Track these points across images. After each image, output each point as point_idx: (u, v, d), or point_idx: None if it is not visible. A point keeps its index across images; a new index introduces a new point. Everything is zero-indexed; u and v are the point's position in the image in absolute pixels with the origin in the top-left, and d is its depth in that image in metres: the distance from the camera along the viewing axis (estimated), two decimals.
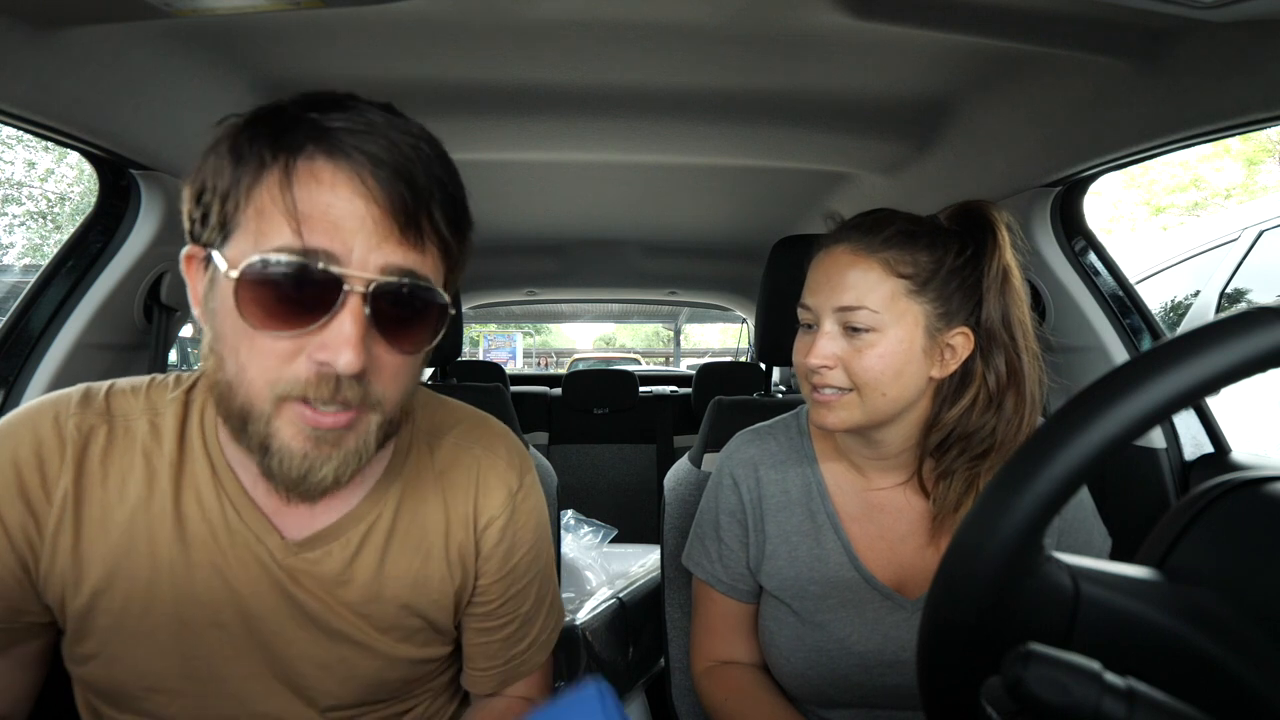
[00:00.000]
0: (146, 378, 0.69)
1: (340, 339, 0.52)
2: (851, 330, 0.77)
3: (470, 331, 12.27)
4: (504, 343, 14.95)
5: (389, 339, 0.55)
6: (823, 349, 0.77)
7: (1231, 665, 0.34)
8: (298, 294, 0.52)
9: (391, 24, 0.92)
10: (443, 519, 0.72)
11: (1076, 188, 1.25)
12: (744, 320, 4.09)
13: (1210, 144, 1.09)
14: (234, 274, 0.52)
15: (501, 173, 1.63)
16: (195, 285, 0.59)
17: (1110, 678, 0.30)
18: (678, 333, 11.26)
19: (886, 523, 0.85)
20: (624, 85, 1.11)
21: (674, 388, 3.40)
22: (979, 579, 0.35)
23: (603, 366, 7.88)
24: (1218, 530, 0.39)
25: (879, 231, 0.78)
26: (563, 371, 4.08)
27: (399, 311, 0.55)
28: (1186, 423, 1.24)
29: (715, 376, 3.05)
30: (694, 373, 3.20)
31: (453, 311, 0.61)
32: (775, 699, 0.86)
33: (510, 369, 4.94)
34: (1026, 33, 0.86)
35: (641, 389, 3.21)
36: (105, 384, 0.67)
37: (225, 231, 0.54)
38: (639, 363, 11.89)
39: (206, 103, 1.06)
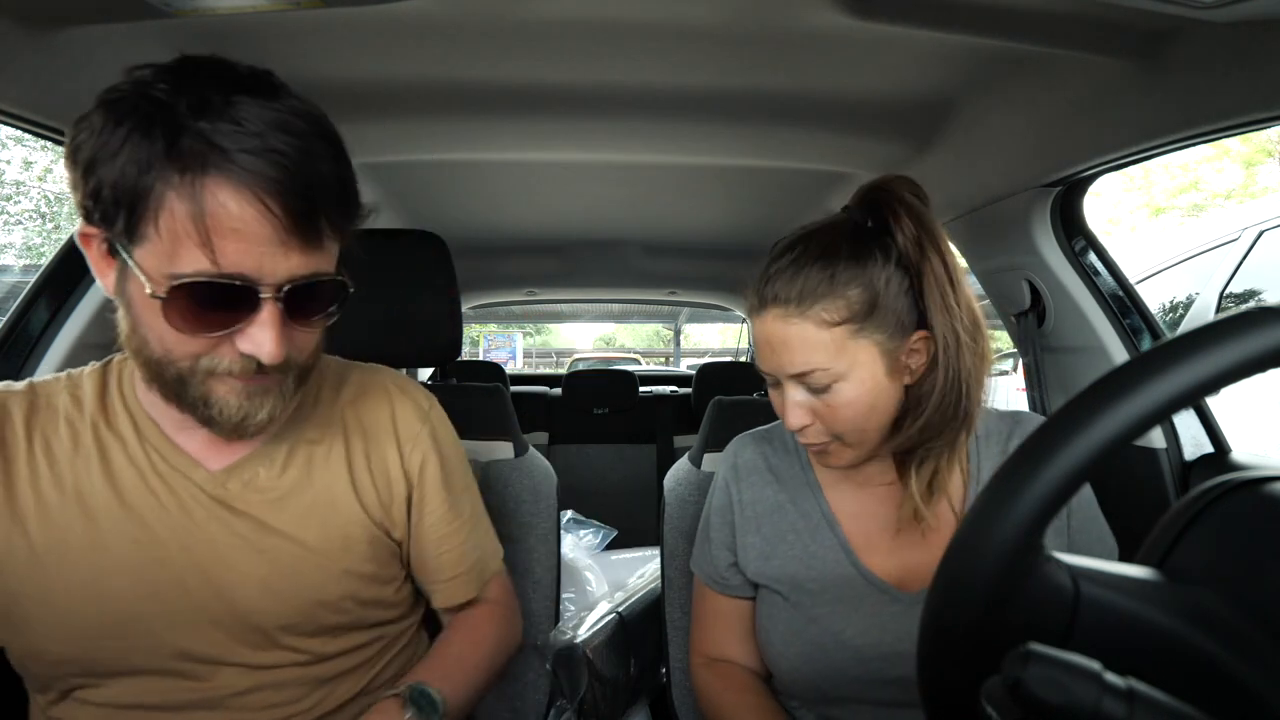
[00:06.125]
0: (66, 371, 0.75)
1: (262, 337, 0.59)
2: (813, 389, 0.76)
3: (470, 331, 12.27)
4: (504, 343, 14.93)
5: (299, 322, 0.63)
6: (794, 416, 0.77)
7: (1231, 665, 0.34)
8: (220, 307, 0.58)
9: (392, 24, 0.92)
10: (361, 437, 0.79)
11: (1076, 188, 1.24)
12: (744, 320, 4.08)
13: (1210, 145, 1.09)
14: (160, 293, 0.56)
15: (502, 173, 1.63)
16: (101, 268, 0.61)
17: (1110, 678, 0.30)
18: (678, 333, 11.25)
19: (884, 515, 0.86)
20: (624, 85, 1.11)
21: (674, 388, 3.39)
22: (979, 579, 0.35)
23: (602, 366, 7.88)
24: (1218, 530, 0.39)
25: (795, 284, 0.73)
26: (561, 371, 4.08)
27: (306, 303, 0.63)
28: (1186, 423, 1.24)
29: (715, 377, 3.04)
30: (694, 373, 3.19)
31: (351, 290, 0.66)
32: (768, 698, 0.87)
33: (510, 369, 4.94)
34: (1026, 33, 0.86)
35: (641, 389, 3.20)
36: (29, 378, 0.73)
37: (131, 234, 0.56)
38: (639, 363, 11.88)
39: None
